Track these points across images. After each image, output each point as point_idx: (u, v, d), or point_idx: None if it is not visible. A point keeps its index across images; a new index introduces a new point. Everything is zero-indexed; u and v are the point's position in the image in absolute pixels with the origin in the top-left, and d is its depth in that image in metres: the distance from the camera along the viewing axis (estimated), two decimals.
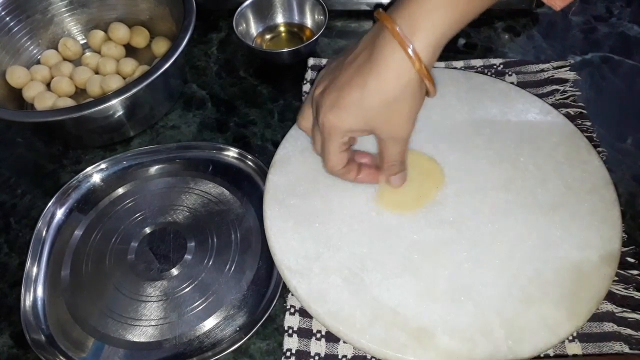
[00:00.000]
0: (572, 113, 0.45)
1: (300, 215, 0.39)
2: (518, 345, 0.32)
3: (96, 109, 0.41)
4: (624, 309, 0.36)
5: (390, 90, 0.32)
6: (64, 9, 0.54)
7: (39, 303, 0.39)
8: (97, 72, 0.52)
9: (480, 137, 0.42)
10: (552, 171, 0.40)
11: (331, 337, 0.36)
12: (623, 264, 0.37)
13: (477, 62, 0.49)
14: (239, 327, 0.37)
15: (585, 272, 0.35)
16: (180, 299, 0.38)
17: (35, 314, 0.39)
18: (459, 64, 0.49)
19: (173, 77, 0.50)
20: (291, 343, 0.36)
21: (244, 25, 0.53)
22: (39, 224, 0.42)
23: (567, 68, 0.49)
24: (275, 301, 0.37)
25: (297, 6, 0.54)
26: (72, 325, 0.38)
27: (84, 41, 0.55)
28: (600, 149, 0.43)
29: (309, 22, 0.55)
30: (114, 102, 0.42)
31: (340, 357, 0.35)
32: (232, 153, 0.46)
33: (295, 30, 0.55)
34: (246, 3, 0.53)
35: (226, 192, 0.44)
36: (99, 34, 0.54)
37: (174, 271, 0.40)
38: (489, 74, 0.48)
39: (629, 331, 0.35)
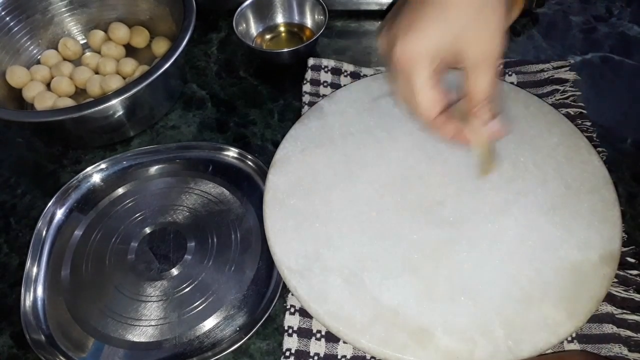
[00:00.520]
0: (572, 113, 0.45)
1: (300, 215, 0.39)
2: (518, 345, 0.32)
3: (96, 109, 0.41)
4: (624, 311, 0.36)
5: None
6: (64, 9, 0.54)
7: (39, 303, 0.39)
8: (97, 72, 0.52)
9: None
10: (552, 171, 0.40)
11: (331, 337, 0.36)
12: (623, 264, 0.37)
13: None
14: (239, 327, 0.37)
15: (585, 272, 0.35)
16: (180, 299, 0.38)
17: (35, 314, 0.39)
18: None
19: (173, 77, 0.50)
20: (291, 343, 0.36)
21: (244, 25, 0.53)
22: (39, 224, 0.42)
23: (567, 68, 0.49)
24: (275, 301, 0.37)
25: (297, 6, 0.54)
26: (72, 325, 0.38)
27: (84, 41, 0.55)
28: (600, 149, 0.43)
29: (309, 22, 0.55)
30: (114, 102, 0.42)
31: (339, 357, 0.35)
32: (232, 153, 0.46)
33: (295, 30, 0.55)
34: (246, 3, 0.53)
35: (226, 192, 0.44)
36: (99, 34, 0.54)
37: (174, 271, 0.40)
38: None
39: (628, 333, 0.35)
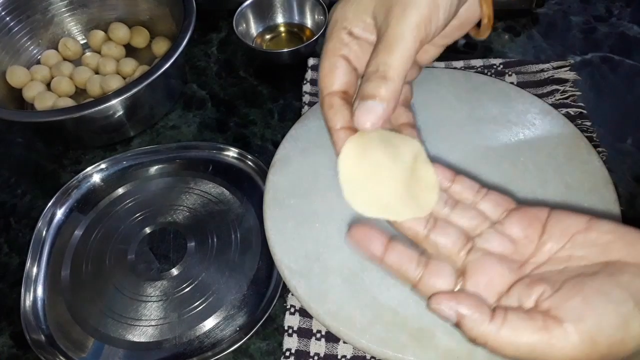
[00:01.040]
0: (572, 113, 0.45)
1: (301, 215, 0.39)
2: None
3: (96, 109, 0.41)
4: None
5: None
6: (64, 9, 0.54)
7: (39, 303, 0.39)
8: (97, 72, 0.52)
9: (480, 137, 0.42)
10: (552, 171, 0.40)
11: (331, 337, 0.36)
12: None
13: (477, 62, 0.49)
14: (239, 327, 0.37)
15: None
16: (180, 299, 0.38)
17: (35, 314, 0.39)
18: (459, 64, 0.49)
19: (173, 77, 0.50)
20: (291, 343, 0.36)
21: (244, 25, 0.53)
22: (39, 224, 0.42)
23: (567, 68, 0.49)
24: (275, 301, 0.37)
25: (297, 6, 0.54)
26: (72, 325, 0.38)
27: (84, 41, 0.55)
28: (600, 149, 0.43)
29: (309, 22, 0.55)
30: (114, 102, 0.42)
31: (339, 357, 0.35)
32: (232, 153, 0.46)
33: (295, 31, 0.55)
34: (246, 3, 0.53)
35: (226, 192, 0.44)
36: (99, 34, 0.54)
37: (174, 271, 0.40)
38: (489, 74, 0.48)
39: None
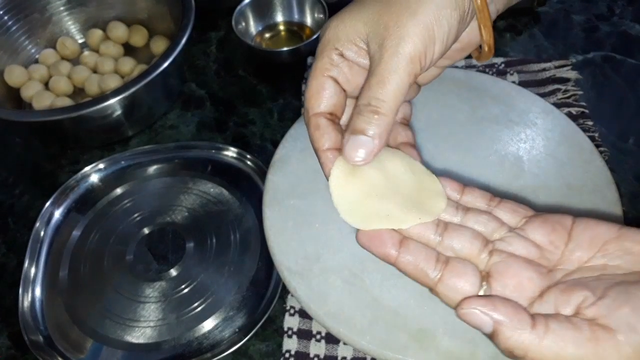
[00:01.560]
0: (574, 112, 0.45)
1: (300, 216, 0.38)
2: None
3: (94, 108, 0.41)
4: None
5: None
6: (62, 8, 0.53)
7: (37, 304, 0.39)
8: (95, 72, 0.52)
9: (482, 137, 0.42)
10: (554, 171, 0.40)
11: (331, 339, 0.36)
12: None
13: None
14: (238, 328, 0.37)
15: None
16: (179, 300, 0.38)
17: (33, 315, 0.38)
18: (460, 62, 0.49)
19: (172, 76, 0.49)
20: (290, 344, 0.36)
21: (243, 24, 0.53)
22: (37, 224, 0.42)
23: (569, 67, 0.48)
24: (274, 302, 0.37)
25: (296, 5, 0.54)
26: (71, 326, 0.38)
27: (82, 40, 0.55)
28: (602, 149, 0.43)
29: (308, 20, 0.54)
30: (112, 101, 0.41)
31: (340, 358, 0.35)
32: (231, 153, 0.46)
33: (295, 29, 0.55)
34: (245, 2, 0.52)
35: (225, 192, 0.43)
36: (97, 33, 0.53)
37: (173, 272, 0.40)
38: (491, 73, 0.48)
39: None
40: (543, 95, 0.46)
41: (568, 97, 0.46)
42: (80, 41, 0.55)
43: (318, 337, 0.36)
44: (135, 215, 0.43)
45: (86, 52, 0.53)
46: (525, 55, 0.51)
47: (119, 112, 0.45)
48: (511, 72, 0.48)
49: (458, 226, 0.25)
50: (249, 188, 0.43)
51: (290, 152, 0.42)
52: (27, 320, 0.38)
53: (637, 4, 0.55)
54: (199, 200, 0.43)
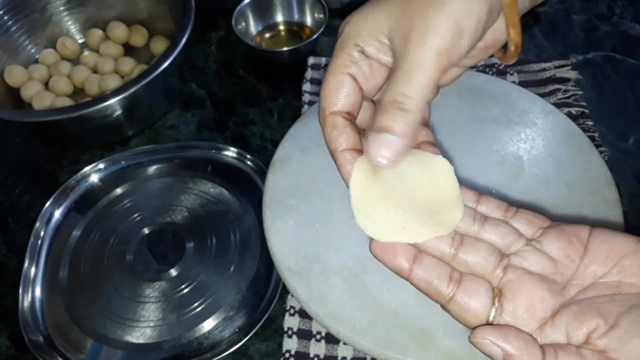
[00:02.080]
0: (574, 112, 0.45)
1: (300, 216, 0.38)
2: None
3: (94, 108, 0.41)
4: None
5: None
6: (62, 8, 0.53)
7: (37, 304, 0.39)
8: (95, 72, 0.52)
9: (482, 137, 0.42)
10: (553, 171, 0.40)
11: (331, 339, 0.36)
12: None
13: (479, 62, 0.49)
14: (238, 328, 0.37)
15: None
16: (179, 300, 0.38)
17: (33, 315, 0.38)
18: None
19: (172, 76, 0.49)
20: (290, 344, 0.36)
21: (243, 24, 0.53)
22: (37, 224, 0.42)
23: (569, 67, 0.48)
24: (274, 302, 0.37)
25: (296, 5, 0.54)
26: (71, 326, 0.38)
27: (82, 40, 0.55)
28: (602, 149, 0.43)
29: (308, 20, 0.54)
30: (112, 101, 0.41)
31: (340, 358, 0.35)
32: (231, 153, 0.46)
33: (295, 29, 0.55)
34: (245, 2, 0.52)
35: (225, 192, 0.43)
36: (97, 33, 0.53)
37: (173, 272, 0.40)
38: (491, 73, 0.48)
39: None
40: (543, 95, 0.46)
41: (568, 97, 0.46)
42: (80, 41, 0.55)
43: (318, 337, 0.36)
44: (135, 215, 0.43)
45: (86, 52, 0.53)
46: (526, 55, 0.51)
47: (119, 112, 0.45)
48: (511, 72, 0.48)
49: (474, 240, 0.24)
50: (249, 188, 0.43)
51: (290, 152, 0.42)
52: (27, 320, 0.38)
53: (637, 4, 0.55)
54: (199, 200, 0.43)
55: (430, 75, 0.23)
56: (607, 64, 0.50)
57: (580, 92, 0.47)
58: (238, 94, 0.51)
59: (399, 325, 0.33)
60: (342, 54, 0.25)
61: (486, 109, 0.44)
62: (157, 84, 0.45)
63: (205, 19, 0.56)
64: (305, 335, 0.36)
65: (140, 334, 0.37)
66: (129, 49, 0.54)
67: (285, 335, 0.36)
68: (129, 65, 0.51)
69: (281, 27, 0.55)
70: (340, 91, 0.25)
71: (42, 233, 0.42)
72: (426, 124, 0.30)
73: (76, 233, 0.42)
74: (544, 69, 0.48)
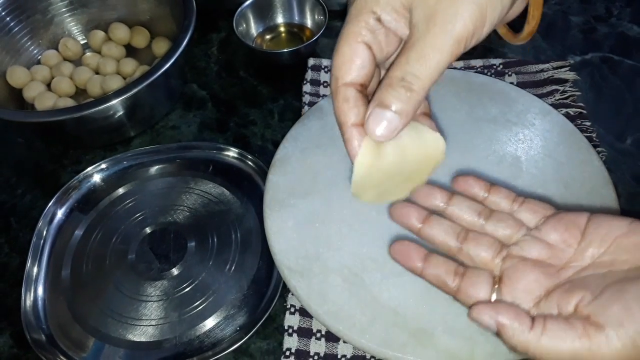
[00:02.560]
0: (572, 113, 0.46)
1: (300, 215, 0.39)
2: None
3: (96, 109, 0.42)
4: None
5: None
6: (64, 9, 0.54)
7: (40, 303, 0.39)
8: (97, 73, 0.52)
9: (480, 137, 0.42)
10: (552, 171, 0.40)
11: (331, 337, 0.36)
12: None
13: (477, 62, 0.49)
14: (239, 326, 0.37)
15: None
16: (181, 299, 0.38)
17: (35, 313, 0.39)
18: (459, 64, 0.49)
19: (173, 77, 0.50)
20: (291, 342, 0.36)
21: (244, 25, 0.53)
22: (40, 224, 0.43)
23: (567, 68, 0.49)
24: (275, 301, 0.37)
25: (297, 6, 0.54)
26: (73, 325, 0.38)
27: (85, 41, 0.55)
28: (599, 149, 0.43)
29: (309, 22, 0.55)
30: (114, 102, 0.42)
31: (339, 356, 0.35)
32: (232, 153, 0.46)
33: (296, 31, 0.55)
34: (246, 3, 0.53)
35: (226, 192, 0.44)
36: (99, 34, 0.54)
37: (174, 271, 0.40)
38: (489, 74, 0.49)
39: None
40: (541, 96, 0.46)
41: (566, 98, 0.47)
42: (82, 42, 0.55)
43: (318, 335, 0.36)
44: (137, 215, 0.43)
45: (88, 53, 0.53)
46: (524, 57, 0.51)
47: (121, 112, 0.45)
48: (509, 73, 0.49)
49: (477, 235, 0.27)
50: (249, 188, 0.44)
51: (291, 153, 0.42)
52: (29, 319, 0.38)
53: (635, 5, 0.55)
54: (200, 200, 0.43)
55: (444, 60, 0.23)
56: (605, 64, 0.50)
57: (578, 93, 0.47)
58: (239, 95, 0.51)
59: (399, 324, 0.34)
60: (358, 21, 0.24)
61: (484, 109, 0.44)
62: (158, 84, 0.45)
63: (206, 21, 0.56)
64: (305, 333, 0.36)
65: (142, 333, 0.37)
66: (130, 50, 0.54)
67: (286, 333, 0.36)
68: (130, 66, 0.51)
69: (282, 29, 0.55)
70: (354, 61, 0.25)
71: (44, 233, 0.42)
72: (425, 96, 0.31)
73: (78, 233, 0.43)
74: (542, 70, 0.49)
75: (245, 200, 0.43)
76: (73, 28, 0.55)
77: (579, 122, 0.45)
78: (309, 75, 0.50)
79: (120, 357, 0.37)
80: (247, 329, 0.37)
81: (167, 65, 0.43)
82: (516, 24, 0.31)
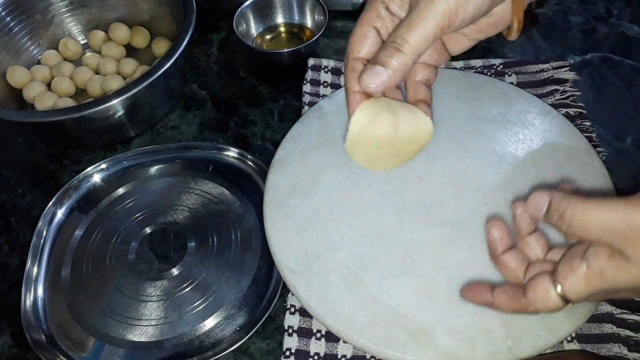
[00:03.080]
0: (572, 113, 0.46)
1: (300, 215, 0.39)
2: (517, 345, 0.32)
3: (97, 109, 0.42)
4: (624, 310, 0.36)
5: None
6: (64, 9, 0.54)
7: (40, 303, 0.39)
8: (97, 73, 0.52)
9: (480, 137, 0.42)
10: (552, 171, 0.40)
11: (331, 337, 0.36)
12: None
13: (477, 62, 0.49)
14: (239, 326, 0.37)
15: None
16: (181, 299, 0.38)
17: (35, 313, 0.39)
18: (459, 64, 0.50)
19: (173, 77, 0.50)
20: (291, 342, 0.36)
21: (244, 25, 0.53)
22: (40, 224, 0.43)
23: (567, 68, 0.49)
24: (275, 301, 0.37)
25: (297, 6, 0.54)
26: (73, 325, 0.38)
27: (85, 41, 0.55)
28: (599, 149, 0.43)
29: (309, 22, 0.55)
30: (115, 102, 0.42)
31: (339, 356, 0.35)
32: (232, 153, 0.46)
33: (296, 31, 0.55)
34: (246, 3, 0.53)
35: (226, 192, 0.44)
36: (99, 34, 0.54)
37: (174, 271, 0.40)
38: (489, 74, 0.49)
39: (628, 332, 0.35)
40: (541, 96, 0.46)
41: (566, 98, 0.47)
42: (82, 42, 0.55)
43: (318, 335, 0.36)
44: (137, 214, 0.43)
45: (88, 53, 0.53)
46: (524, 57, 0.51)
47: (121, 112, 0.45)
48: (509, 73, 0.49)
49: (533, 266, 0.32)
50: (249, 188, 0.44)
51: (291, 153, 0.42)
52: (29, 319, 0.38)
53: (635, 5, 0.55)
54: (200, 200, 0.43)
55: (429, 28, 0.27)
56: (605, 65, 0.50)
57: (578, 93, 0.47)
58: (239, 95, 0.51)
59: (398, 324, 0.34)
60: (371, 9, 0.30)
61: (485, 109, 0.44)
62: (158, 85, 0.45)
63: (206, 21, 0.56)
64: (305, 333, 0.36)
65: (142, 333, 0.37)
66: (130, 50, 0.54)
67: (286, 333, 0.36)
68: (130, 66, 0.51)
69: (282, 29, 0.55)
70: (364, 41, 0.30)
71: (44, 233, 0.42)
72: (429, 85, 0.34)
73: (78, 233, 0.43)
74: (542, 70, 0.49)
75: (245, 200, 0.43)
76: (73, 28, 0.55)
77: (579, 122, 0.45)
78: (309, 75, 0.50)
79: (120, 357, 0.37)
80: (247, 329, 0.37)
81: (167, 65, 0.43)
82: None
